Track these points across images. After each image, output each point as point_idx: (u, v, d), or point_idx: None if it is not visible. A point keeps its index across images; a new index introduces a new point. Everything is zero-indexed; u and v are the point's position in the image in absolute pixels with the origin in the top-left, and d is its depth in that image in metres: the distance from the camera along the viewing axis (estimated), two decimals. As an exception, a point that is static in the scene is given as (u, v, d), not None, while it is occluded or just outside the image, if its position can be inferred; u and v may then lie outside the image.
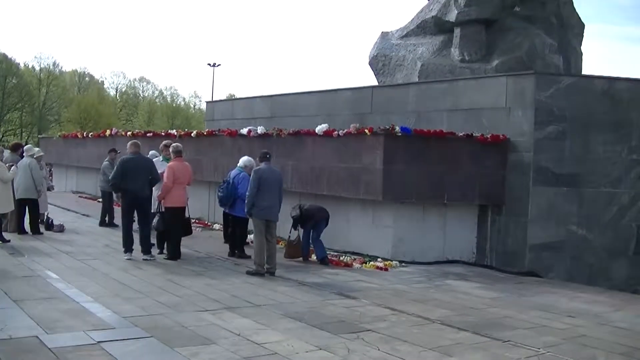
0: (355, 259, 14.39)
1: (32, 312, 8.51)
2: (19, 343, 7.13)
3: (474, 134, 14.86)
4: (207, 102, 31.40)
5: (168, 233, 13.95)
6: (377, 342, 7.88)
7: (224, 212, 15.55)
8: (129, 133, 24.86)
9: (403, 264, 14.29)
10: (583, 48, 21.41)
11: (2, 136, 79.75)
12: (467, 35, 18.86)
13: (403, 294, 11.18)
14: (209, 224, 19.21)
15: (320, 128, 15.63)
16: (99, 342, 7.32)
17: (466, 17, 18.71)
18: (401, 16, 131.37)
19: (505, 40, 18.78)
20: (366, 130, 14.47)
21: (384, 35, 21.78)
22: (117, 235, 15.01)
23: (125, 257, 13.48)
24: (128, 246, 13.70)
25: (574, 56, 20.51)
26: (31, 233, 16.19)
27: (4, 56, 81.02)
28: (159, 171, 14.09)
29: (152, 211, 14.16)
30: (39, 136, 50.62)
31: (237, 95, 74.53)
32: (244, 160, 14.89)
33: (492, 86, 15.63)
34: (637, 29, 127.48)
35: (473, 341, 8.18)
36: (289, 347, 7.48)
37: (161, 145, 15.92)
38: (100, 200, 20.16)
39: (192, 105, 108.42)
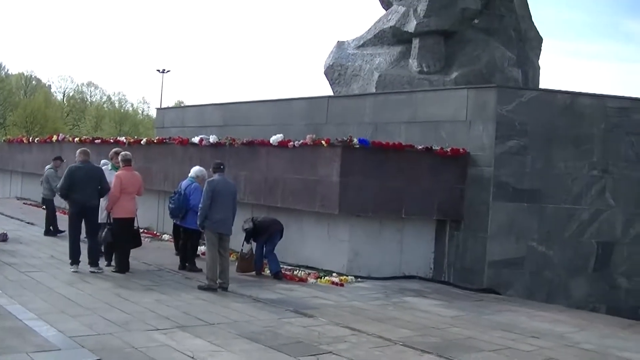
0: (309, 274, 13.98)
1: (-31, 331, 7.94)
2: (-49, 368, 6.57)
3: (433, 147, 14.52)
4: (157, 109, 30.85)
5: (116, 244, 13.47)
6: (339, 365, 7.48)
7: (174, 223, 15.10)
8: (76, 139, 24.16)
9: (359, 279, 13.91)
10: (540, 62, 21.34)
11: (-56, 140, 77.83)
12: (425, 47, 18.57)
13: (361, 312, 10.79)
14: (158, 234, 18.65)
15: (275, 138, 15.26)
16: (42, 366, 6.80)
17: (425, 27, 18.42)
18: (358, 25, 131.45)
19: (465, 52, 18.57)
20: (323, 142, 14.14)
21: (340, 44, 21.41)
22: (62, 245, 14.48)
23: (72, 270, 12.94)
24: (75, 258, 13.16)
25: (532, 70, 20.39)
26: (-30, 243, 15.54)
27: (-53, 57, 79.26)
28: (109, 180, 13.61)
29: (100, 222, 13.66)
30: (-18, 140, 49.42)
31: (186, 102, 74.04)
32: (195, 170, 14.48)
33: (452, 99, 15.34)
34: (587, 46, 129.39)
35: (439, 365, 7.82)
36: (245, 372, 7.03)
37: (111, 152, 15.39)
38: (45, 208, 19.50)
39: (140, 112, 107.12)
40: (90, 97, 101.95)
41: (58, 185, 13.93)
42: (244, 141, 16.22)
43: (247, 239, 13.96)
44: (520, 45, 20.30)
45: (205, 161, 15.57)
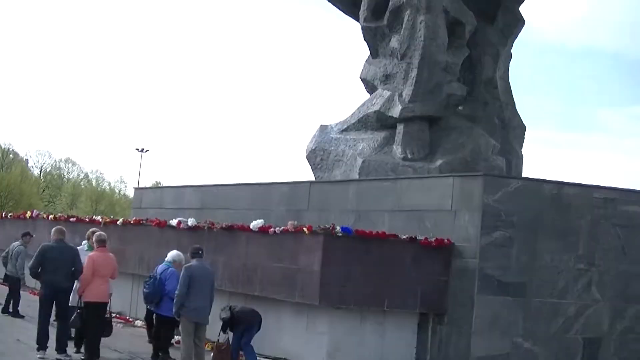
0: (287, 367, 13.51)
1: None
2: None
3: (417, 237, 14.17)
4: (134, 189, 30.67)
5: (86, 330, 13.00)
6: None
7: (148, 309, 14.66)
8: (50, 216, 23.75)
9: (338, 374, 13.44)
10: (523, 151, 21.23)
11: None
12: (410, 133, 18.36)
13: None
14: (130, 319, 18.12)
15: (256, 224, 14.92)
16: None
17: (410, 113, 18.23)
18: (341, 108, 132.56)
19: (449, 139, 18.37)
20: (305, 229, 13.80)
21: (323, 128, 21.19)
22: (29, 329, 13.99)
23: (38, 356, 12.64)
24: (42, 343, 12.78)
25: (515, 159, 20.24)
26: None
27: None
28: (83, 261, 13.23)
29: (71, 305, 13.20)
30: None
31: (165, 183, 73.74)
32: (172, 254, 14.15)
33: (437, 187, 15.05)
34: (562, 135, 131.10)
35: None
36: None
37: (88, 232, 15.11)
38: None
39: (117, 191, 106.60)
40: (68, 173, 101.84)
41: (29, 264, 13.57)
42: (223, 225, 15.92)
43: (223, 329, 13.55)
44: (504, 133, 20.19)
45: (182, 245, 15.25)
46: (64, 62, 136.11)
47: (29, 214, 25.43)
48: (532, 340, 14.07)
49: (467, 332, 13.84)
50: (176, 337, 14.02)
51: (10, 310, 17.71)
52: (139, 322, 17.44)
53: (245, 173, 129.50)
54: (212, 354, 13.54)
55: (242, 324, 13.48)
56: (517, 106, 21.13)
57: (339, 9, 22.55)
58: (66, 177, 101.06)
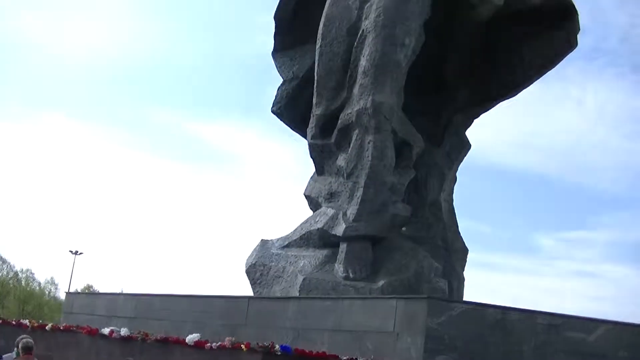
0: None
1: None
2: None
3: (358, 359, 13.77)
4: (66, 293, 29.98)
5: None
6: None
7: None
8: (-26, 317, 22.92)
9: None
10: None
11: None
12: (353, 252, 18.08)
13: None
14: None
15: (191, 338, 14.47)
16: None
17: (354, 232, 18.00)
18: (283, 224, 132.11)
19: (392, 260, 18.11)
20: (242, 346, 13.40)
21: (264, 243, 20.88)
22: None
23: None
24: None
25: (457, 281, 20.10)
26: None
27: None
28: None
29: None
30: None
31: (97, 287, 72.38)
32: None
33: (380, 308, 14.74)
34: (494, 256, 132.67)
35: None
36: None
37: (18, 338, 14.42)
38: None
39: (47, 292, 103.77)
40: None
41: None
42: (158, 337, 15.39)
43: None
44: (447, 255, 20.14)
45: (114, 355, 14.83)
46: None
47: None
48: None
49: None
50: None
51: None
52: None
53: (181, 284, 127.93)
54: None
55: None
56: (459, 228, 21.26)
57: (286, 124, 22.64)
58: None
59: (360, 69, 18.54)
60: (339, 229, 18.37)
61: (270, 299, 18.44)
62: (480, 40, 20.74)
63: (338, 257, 18.45)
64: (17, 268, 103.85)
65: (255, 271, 20.34)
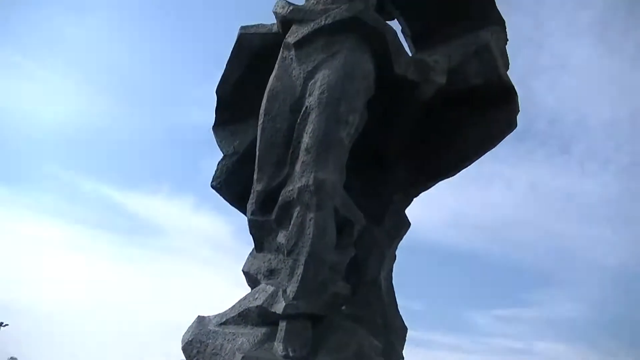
0: None
1: None
2: None
3: None
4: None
5: None
6: None
7: None
8: None
9: None
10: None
11: None
12: (292, 330, 17.77)
13: None
14: None
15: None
16: None
17: (294, 310, 17.72)
18: (221, 300, 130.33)
19: (332, 339, 17.82)
20: None
21: (201, 319, 20.39)
22: None
23: None
24: None
25: (396, 360, 19.94)
26: None
27: None
28: None
29: None
30: None
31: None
32: None
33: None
34: (431, 334, 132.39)
35: None
36: None
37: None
38: None
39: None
40: None
41: None
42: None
43: None
44: (386, 333, 19.95)
45: None
46: None
47: None
48: None
49: None
50: None
51: None
52: None
53: (114, 357, 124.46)
54: None
55: None
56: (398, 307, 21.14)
57: (226, 199, 22.44)
58: None
59: (303, 146, 18.54)
60: (279, 307, 18.08)
61: (208, 377, 17.90)
62: (421, 119, 20.93)
63: (277, 335, 18.12)
64: None
65: (192, 348, 19.80)
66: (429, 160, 21.30)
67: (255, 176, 19.78)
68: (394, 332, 20.44)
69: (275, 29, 21.18)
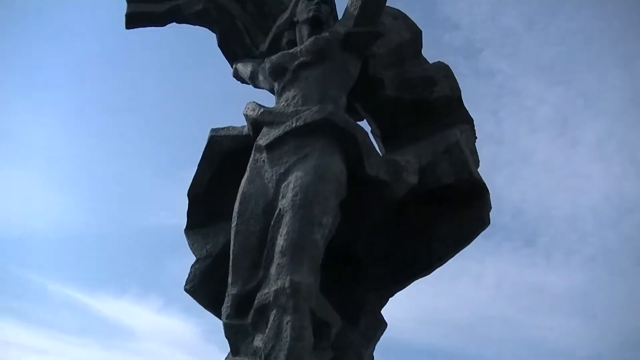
0: None
1: None
2: None
3: None
4: None
5: None
6: None
7: None
8: None
9: None
10: None
11: None
12: None
13: None
14: None
15: None
16: None
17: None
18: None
19: None
20: None
21: None
22: None
23: None
24: None
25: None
26: None
27: None
28: None
29: None
30: None
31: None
32: None
33: None
34: None
35: None
36: None
37: None
38: None
39: None
40: None
41: None
42: None
43: None
44: None
45: None
46: None
47: None
48: None
49: None
50: None
51: None
52: None
53: None
54: None
55: None
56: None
57: (200, 303, 22.09)
58: None
59: (278, 248, 18.38)
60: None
61: None
62: (393, 218, 20.91)
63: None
64: None
65: None
66: (403, 259, 21.16)
67: (229, 279, 19.49)
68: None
69: (246, 131, 21.23)
